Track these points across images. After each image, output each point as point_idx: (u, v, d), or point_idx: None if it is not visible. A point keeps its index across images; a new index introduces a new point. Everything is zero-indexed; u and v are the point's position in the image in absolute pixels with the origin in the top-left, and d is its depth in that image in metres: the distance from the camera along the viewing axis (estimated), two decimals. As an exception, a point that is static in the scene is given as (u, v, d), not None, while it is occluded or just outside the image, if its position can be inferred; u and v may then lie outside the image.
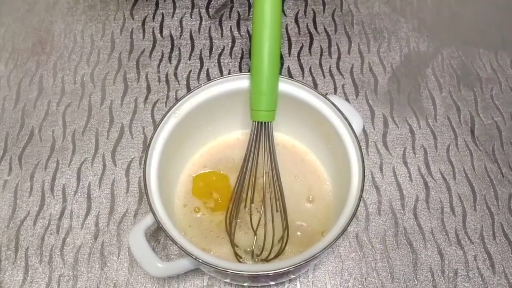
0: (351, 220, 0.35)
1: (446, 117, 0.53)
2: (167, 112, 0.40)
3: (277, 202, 0.41)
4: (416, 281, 0.43)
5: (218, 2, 0.62)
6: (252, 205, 0.43)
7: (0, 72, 0.56)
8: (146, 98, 0.54)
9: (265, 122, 0.40)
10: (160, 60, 0.57)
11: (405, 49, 0.58)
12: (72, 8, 0.62)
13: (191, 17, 0.61)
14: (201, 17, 0.61)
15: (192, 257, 0.34)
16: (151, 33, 0.59)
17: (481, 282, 0.43)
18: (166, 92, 0.54)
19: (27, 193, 0.48)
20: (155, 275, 0.37)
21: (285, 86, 0.42)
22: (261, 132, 0.40)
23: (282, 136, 0.48)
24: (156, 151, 0.39)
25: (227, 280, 0.42)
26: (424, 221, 0.46)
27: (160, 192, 0.37)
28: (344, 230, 0.34)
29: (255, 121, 0.40)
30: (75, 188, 0.48)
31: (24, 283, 0.43)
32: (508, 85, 0.56)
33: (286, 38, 0.59)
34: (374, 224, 0.46)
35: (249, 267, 0.37)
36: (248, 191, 0.42)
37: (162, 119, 0.39)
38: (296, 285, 0.43)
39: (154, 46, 0.58)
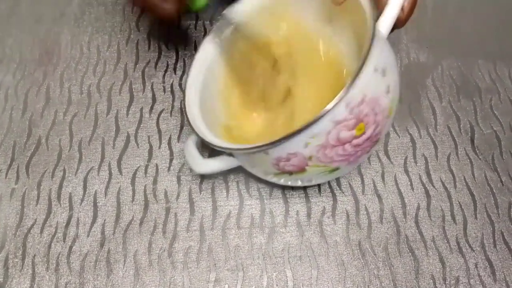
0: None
1: (446, 127, 0.54)
2: None
3: None
4: (418, 289, 0.44)
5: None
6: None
7: (7, 82, 0.57)
8: (152, 108, 0.55)
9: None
10: (165, 71, 0.58)
11: (405, 60, 0.60)
12: (79, 19, 0.63)
13: (195, 29, 0.62)
14: (205, 29, 0.62)
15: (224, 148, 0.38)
16: (156, 45, 0.60)
17: (483, 290, 0.44)
18: (171, 102, 0.55)
19: (34, 202, 0.49)
20: (199, 171, 0.44)
21: None
22: None
23: None
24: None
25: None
26: (426, 229, 0.47)
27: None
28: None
29: None
30: (81, 197, 0.49)
31: (31, 290, 0.44)
32: (506, 95, 0.57)
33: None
34: (377, 232, 0.47)
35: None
36: None
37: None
38: (299, 292, 0.44)
39: (159, 57, 0.59)
